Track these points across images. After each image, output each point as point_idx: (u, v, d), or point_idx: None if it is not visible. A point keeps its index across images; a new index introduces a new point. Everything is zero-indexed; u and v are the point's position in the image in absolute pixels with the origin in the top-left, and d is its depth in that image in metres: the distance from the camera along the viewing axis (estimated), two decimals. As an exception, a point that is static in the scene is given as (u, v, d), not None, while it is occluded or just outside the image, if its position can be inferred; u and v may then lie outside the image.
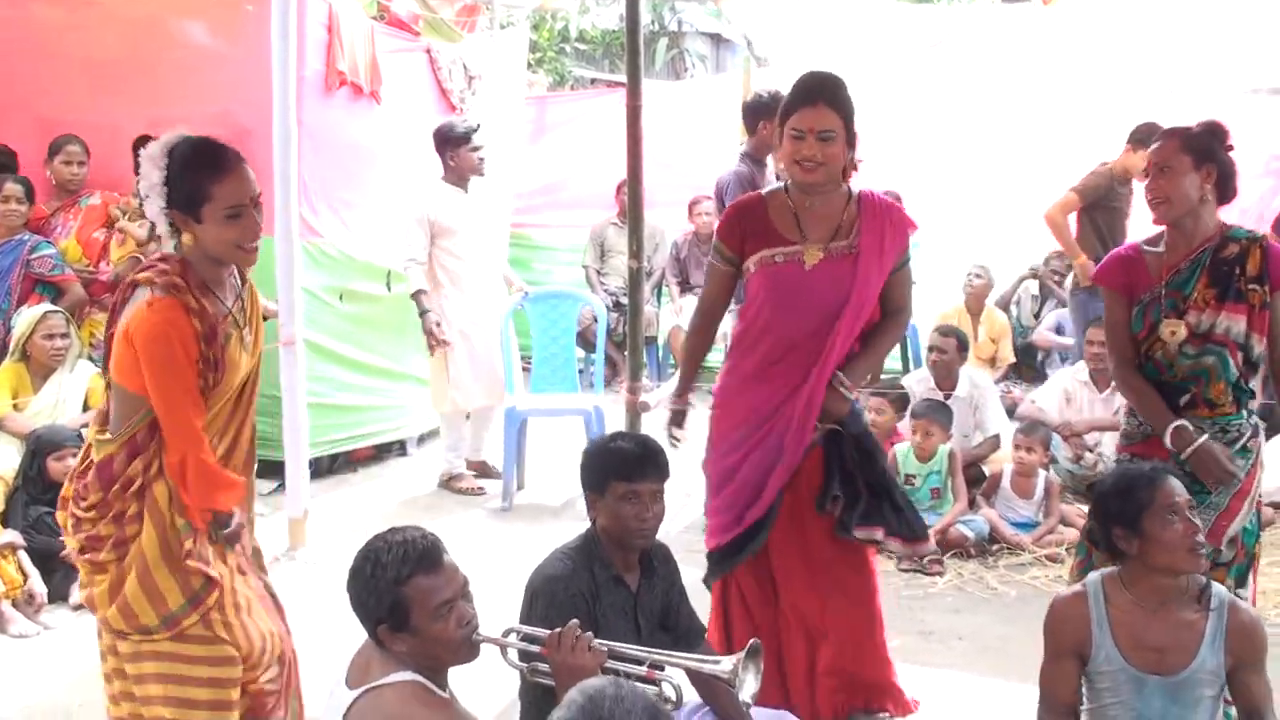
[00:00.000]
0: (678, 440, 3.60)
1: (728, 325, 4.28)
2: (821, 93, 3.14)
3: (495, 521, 5.79)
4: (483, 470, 6.41)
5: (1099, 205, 6.48)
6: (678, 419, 3.61)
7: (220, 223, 2.66)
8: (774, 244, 3.22)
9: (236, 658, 2.82)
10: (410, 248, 5.91)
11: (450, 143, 5.96)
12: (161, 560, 2.73)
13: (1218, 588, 2.77)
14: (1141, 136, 5.94)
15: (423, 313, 5.90)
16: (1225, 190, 3.18)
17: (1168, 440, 3.13)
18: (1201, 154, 3.13)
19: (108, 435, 2.75)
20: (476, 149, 5.99)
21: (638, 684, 1.79)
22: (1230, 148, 3.18)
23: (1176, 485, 2.72)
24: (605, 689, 1.69)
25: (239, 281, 2.87)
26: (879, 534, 3.33)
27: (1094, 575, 2.86)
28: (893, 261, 3.27)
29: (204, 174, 2.64)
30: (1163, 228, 3.25)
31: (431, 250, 5.94)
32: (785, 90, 3.21)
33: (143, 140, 2.73)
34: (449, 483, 6.27)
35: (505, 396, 6.25)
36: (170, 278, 2.66)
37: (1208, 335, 3.14)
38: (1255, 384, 3.26)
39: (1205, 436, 3.11)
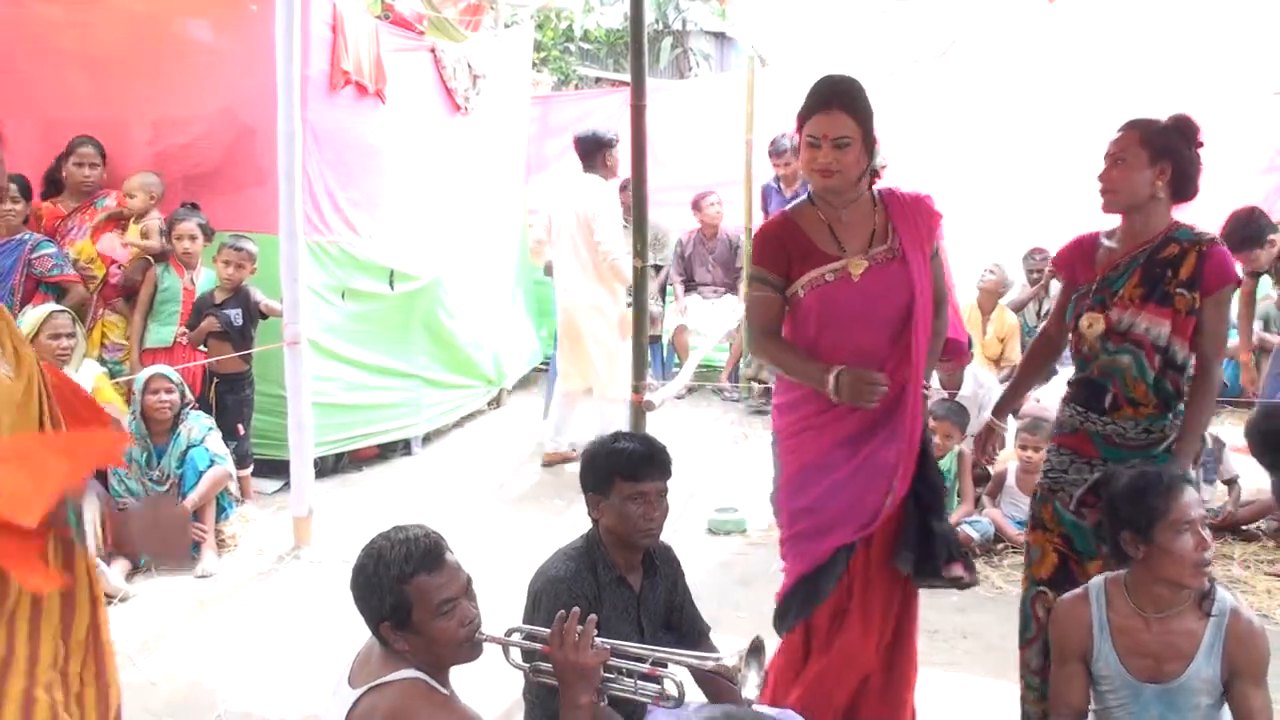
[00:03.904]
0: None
1: (733, 324, 4.13)
2: (836, 98, 2.98)
3: (500, 519, 5.79)
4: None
5: None
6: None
7: None
8: (819, 262, 3.05)
9: None
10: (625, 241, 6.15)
11: (607, 145, 6.45)
12: None
13: (1222, 594, 2.71)
14: None
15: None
16: (1183, 189, 3.04)
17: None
18: (1159, 150, 3.00)
19: None
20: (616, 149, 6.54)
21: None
22: (1199, 145, 3.04)
23: (1192, 497, 2.64)
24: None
25: None
26: (959, 570, 3.13)
27: (1097, 578, 2.82)
28: (929, 251, 3.13)
29: None
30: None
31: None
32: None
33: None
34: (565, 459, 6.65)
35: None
36: None
37: (1126, 333, 3.05)
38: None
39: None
